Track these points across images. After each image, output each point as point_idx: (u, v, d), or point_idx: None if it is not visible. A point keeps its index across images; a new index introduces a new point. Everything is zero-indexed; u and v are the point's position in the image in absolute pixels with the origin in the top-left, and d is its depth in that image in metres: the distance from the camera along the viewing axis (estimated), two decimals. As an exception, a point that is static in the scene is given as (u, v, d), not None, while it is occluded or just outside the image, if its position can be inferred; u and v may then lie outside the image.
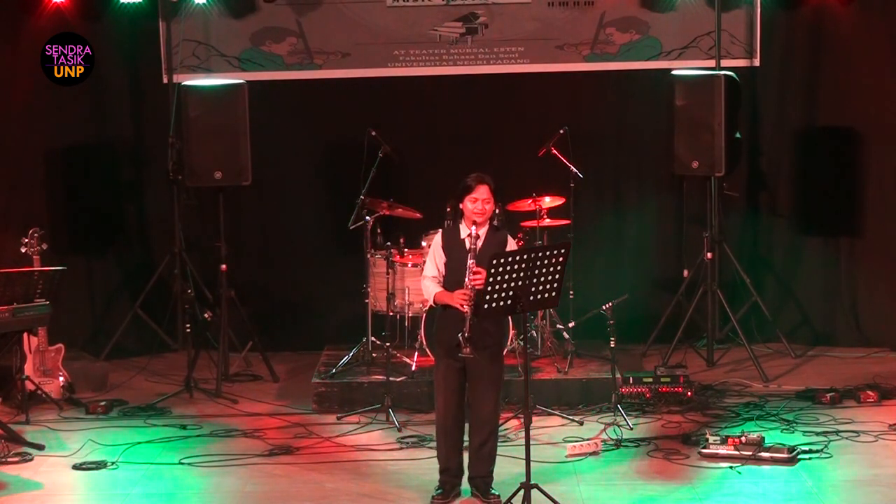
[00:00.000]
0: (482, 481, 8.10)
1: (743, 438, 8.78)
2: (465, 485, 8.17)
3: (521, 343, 9.08)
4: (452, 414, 8.05)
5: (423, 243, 10.36)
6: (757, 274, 11.61)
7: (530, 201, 10.69)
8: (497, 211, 10.46)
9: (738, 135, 11.03)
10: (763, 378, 10.68)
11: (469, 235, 7.83)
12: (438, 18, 11.78)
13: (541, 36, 11.78)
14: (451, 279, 7.91)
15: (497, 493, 8.05)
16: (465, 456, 8.17)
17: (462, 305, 7.72)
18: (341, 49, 11.79)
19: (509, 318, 9.68)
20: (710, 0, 11.62)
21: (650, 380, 10.03)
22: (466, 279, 7.73)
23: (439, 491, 8.11)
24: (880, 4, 11.53)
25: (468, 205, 7.91)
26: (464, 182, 7.95)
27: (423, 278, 8.15)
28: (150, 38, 11.76)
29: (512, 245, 8.04)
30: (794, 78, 11.78)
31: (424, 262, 8.33)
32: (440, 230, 8.19)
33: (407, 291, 10.41)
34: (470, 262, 7.74)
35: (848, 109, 11.67)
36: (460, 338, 7.67)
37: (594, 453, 8.98)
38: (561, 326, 10.82)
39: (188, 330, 10.56)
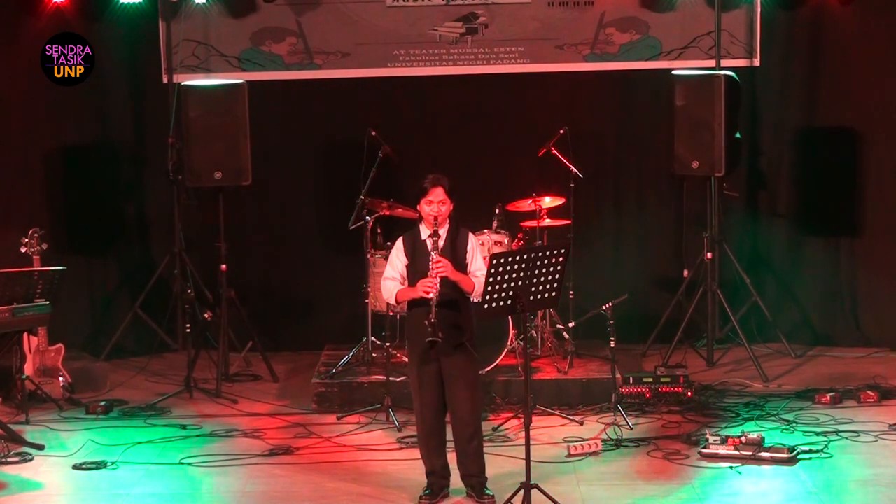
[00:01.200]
0: (476, 480, 8.11)
1: (743, 438, 8.78)
2: (459, 484, 8.17)
3: (521, 343, 9.08)
4: (431, 418, 8.09)
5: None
6: (757, 274, 11.61)
7: (530, 201, 10.68)
8: (497, 211, 10.59)
9: (738, 135, 11.03)
10: (763, 378, 10.67)
11: (430, 236, 7.91)
12: (438, 18, 11.77)
13: (541, 36, 11.77)
14: (416, 282, 7.95)
15: (491, 494, 8.06)
16: (452, 456, 8.19)
17: (427, 293, 7.77)
18: (341, 49, 11.79)
19: (509, 317, 9.75)
20: (710, 0, 11.62)
21: (650, 380, 10.03)
22: (430, 268, 7.80)
23: (427, 492, 8.16)
24: (880, 4, 11.53)
25: (424, 207, 7.98)
26: (420, 184, 8.01)
27: (383, 280, 8.22)
28: (150, 38, 11.76)
29: (473, 242, 8.08)
30: (794, 78, 11.78)
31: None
32: (401, 236, 8.22)
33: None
34: (433, 253, 7.82)
35: (848, 109, 11.67)
36: (426, 324, 7.71)
37: (594, 453, 8.98)
38: (561, 326, 10.82)
39: (188, 330, 10.57)
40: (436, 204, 7.94)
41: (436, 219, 7.93)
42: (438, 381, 8.01)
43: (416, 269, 7.98)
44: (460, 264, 7.96)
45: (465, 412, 8.04)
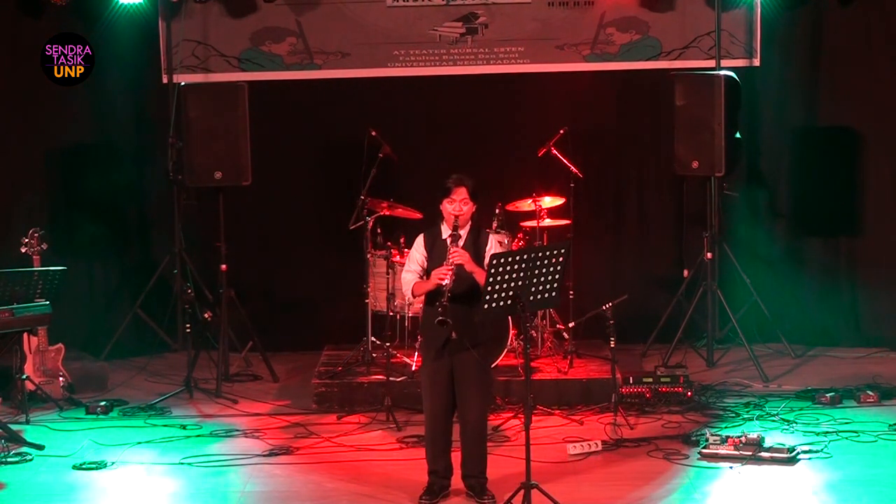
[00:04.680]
0: (476, 481, 8.12)
1: (743, 438, 8.78)
2: (459, 484, 8.17)
3: (522, 343, 9.08)
4: (440, 416, 8.09)
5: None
6: (757, 274, 11.60)
7: (530, 201, 10.69)
8: (497, 211, 10.59)
9: (738, 135, 11.03)
10: (763, 378, 10.68)
11: (450, 235, 7.94)
12: (438, 18, 11.77)
13: (541, 36, 11.77)
14: None
15: (492, 494, 8.06)
16: (454, 455, 8.20)
17: (441, 279, 7.79)
18: (341, 49, 11.79)
19: (509, 317, 9.75)
20: (710, 0, 11.62)
21: (650, 380, 10.03)
22: (447, 258, 7.82)
23: (428, 491, 8.16)
24: (880, 4, 11.54)
25: (447, 206, 8.01)
26: (444, 184, 8.04)
27: (402, 274, 8.26)
28: (150, 38, 11.77)
29: (493, 244, 8.10)
30: (794, 78, 11.78)
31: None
32: (423, 233, 8.24)
33: (407, 291, 10.42)
34: (451, 245, 7.84)
35: (848, 109, 11.67)
36: (437, 307, 7.73)
37: (594, 453, 8.98)
38: (561, 326, 10.82)
39: (188, 330, 10.57)
40: (458, 203, 7.96)
41: (456, 218, 7.94)
42: (449, 380, 8.01)
43: (434, 266, 7.98)
44: (479, 261, 7.95)
45: (474, 414, 8.04)
